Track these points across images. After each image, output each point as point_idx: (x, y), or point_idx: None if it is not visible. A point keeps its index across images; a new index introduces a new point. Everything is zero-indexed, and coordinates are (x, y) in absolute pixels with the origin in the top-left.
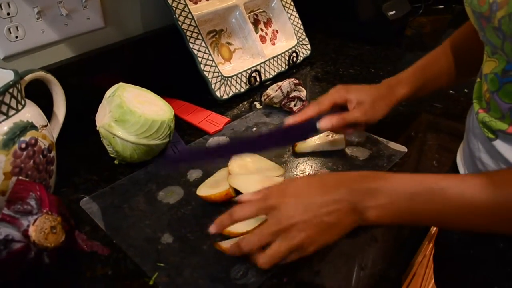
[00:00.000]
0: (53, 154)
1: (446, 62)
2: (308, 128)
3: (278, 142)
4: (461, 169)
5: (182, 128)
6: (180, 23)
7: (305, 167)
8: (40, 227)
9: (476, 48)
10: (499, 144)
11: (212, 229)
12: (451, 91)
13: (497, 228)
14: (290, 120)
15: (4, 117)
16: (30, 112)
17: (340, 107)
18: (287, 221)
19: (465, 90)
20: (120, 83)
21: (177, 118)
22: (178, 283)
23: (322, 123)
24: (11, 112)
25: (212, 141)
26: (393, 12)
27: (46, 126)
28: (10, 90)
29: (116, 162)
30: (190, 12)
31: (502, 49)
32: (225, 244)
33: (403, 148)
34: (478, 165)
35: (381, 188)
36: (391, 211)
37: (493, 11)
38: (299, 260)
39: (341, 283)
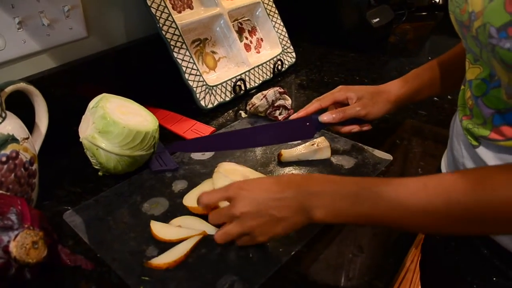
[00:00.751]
0: (35, 167)
1: (438, 73)
2: (312, 124)
3: (280, 137)
4: None
5: (167, 138)
6: (164, 33)
7: None
8: (21, 243)
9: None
10: (482, 151)
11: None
12: (435, 98)
13: (440, 230)
14: (293, 116)
15: None
16: (11, 125)
17: (341, 105)
18: (241, 209)
19: (449, 97)
20: (104, 94)
21: (161, 128)
22: None
23: (324, 116)
24: None
25: (196, 153)
26: (377, 19)
27: (27, 138)
28: None
29: (100, 173)
30: (174, 21)
31: (481, 57)
32: (156, 261)
33: (388, 156)
34: None
35: (325, 190)
36: (334, 212)
37: (471, 21)
38: (286, 271)
39: None
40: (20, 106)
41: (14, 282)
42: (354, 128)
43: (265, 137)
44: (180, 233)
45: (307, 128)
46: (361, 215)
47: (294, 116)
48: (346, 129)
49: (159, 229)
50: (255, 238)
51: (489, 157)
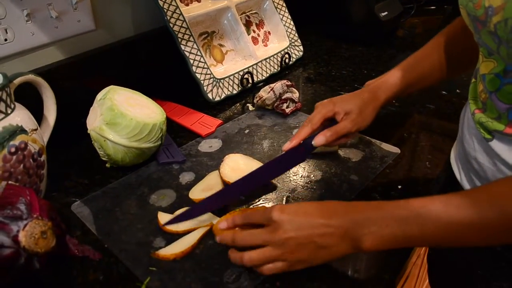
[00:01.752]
0: (43, 158)
1: (437, 58)
2: (305, 149)
3: (278, 172)
4: (455, 169)
5: (174, 131)
6: (171, 25)
7: (298, 169)
8: (30, 232)
9: (468, 43)
10: (495, 145)
11: (222, 225)
12: (443, 92)
13: (491, 242)
14: (287, 146)
15: None
16: (20, 116)
17: (329, 120)
18: (284, 234)
19: (457, 90)
20: (111, 86)
21: (169, 121)
22: (171, 287)
23: (317, 140)
24: (0, 116)
25: (204, 143)
26: (385, 13)
27: (36, 130)
28: None
29: (107, 165)
30: (181, 14)
31: (498, 53)
32: (163, 252)
33: (395, 149)
34: (474, 165)
35: (371, 217)
36: (383, 238)
37: (488, 16)
38: None
39: (334, 287)
40: (29, 98)
41: (23, 272)
42: (343, 141)
43: (265, 176)
44: (187, 225)
45: (300, 154)
46: (411, 238)
47: (287, 146)
48: (335, 143)
49: (167, 221)
50: (291, 265)
51: (504, 150)
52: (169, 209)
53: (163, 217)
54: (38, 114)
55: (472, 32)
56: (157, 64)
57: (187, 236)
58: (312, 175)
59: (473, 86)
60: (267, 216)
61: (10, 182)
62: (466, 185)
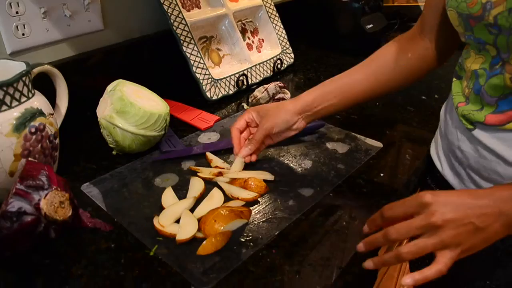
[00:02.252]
0: (57, 141)
1: (364, 73)
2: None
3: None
4: (436, 160)
5: (175, 125)
6: (175, 28)
7: (288, 157)
8: (51, 201)
9: (396, 66)
10: (478, 133)
11: (361, 248)
12: (423, 97)
13: None
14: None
15: (17, 103)
16: (39, 101)
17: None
18: (438, 217)
19: (436, 96)
20: (120, 80)
21: (170, 116)
22: (177, 253)
23: (243, 152)
24: (23, 99)
25: (204, 136)
26: (371, 25)
27: (52, 114)
28: (23, 79)
29: (114, 152)
30: (184, 18)
31: (494, 44)
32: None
33: (378, 144)
34: (458, 154)
35: None
36: None
37: (486, 10)
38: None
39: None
40: (43, 88)
41: (42, 238)
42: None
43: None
44: (188, 232)
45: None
46: None
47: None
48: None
49: (167, 200)
50: (452, 253)
51: (485, 137)
52: (173, 189)
53: (167, 198)
54: (50, 103)
55: (460, 32)
56: (160, 64)
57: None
58: (303, 164)
59: (456, 84)
60: (419, 201)
61: (30, 159)
62: (449, 174)
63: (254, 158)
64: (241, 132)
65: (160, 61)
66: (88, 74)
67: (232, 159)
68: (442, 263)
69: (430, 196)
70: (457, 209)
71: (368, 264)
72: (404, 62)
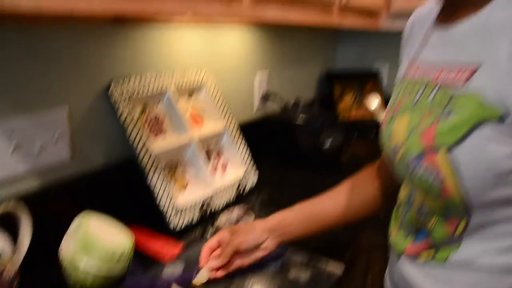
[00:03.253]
0: (16, 282)
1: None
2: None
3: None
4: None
5: (139, 257)
6: (140, 159)
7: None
8: None
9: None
10: (401, 263)
11: None
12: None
13: None
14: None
15: None
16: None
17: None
18: None
19: None
20: (84, 213)
21: (136, 245)
22: None
23: (212, 265)
24: None
25: (167, 270)
26: (329, 141)
27: (11, 256)
28: None
29: None
30: (149, 148)
31: (405, 181)
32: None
33: (341, 266)
34: (395, 279)
35: None
36: None
37: (395, 152)
38: None
39: None
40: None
41: None
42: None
43: None
44: None
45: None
46: None
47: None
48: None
49: None
50: None
51: (407, 267)
52: None
53: None
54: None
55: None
56: (126, 192)
57: None
58: None
59: (395, 212)
60: None
61: None
62: None
63: (219, 274)
64: (213, 251)
65: (127, 189)
66: (54, 204)
67: None
68: None
69: None
70: None
71: None
72: (373, 191)
